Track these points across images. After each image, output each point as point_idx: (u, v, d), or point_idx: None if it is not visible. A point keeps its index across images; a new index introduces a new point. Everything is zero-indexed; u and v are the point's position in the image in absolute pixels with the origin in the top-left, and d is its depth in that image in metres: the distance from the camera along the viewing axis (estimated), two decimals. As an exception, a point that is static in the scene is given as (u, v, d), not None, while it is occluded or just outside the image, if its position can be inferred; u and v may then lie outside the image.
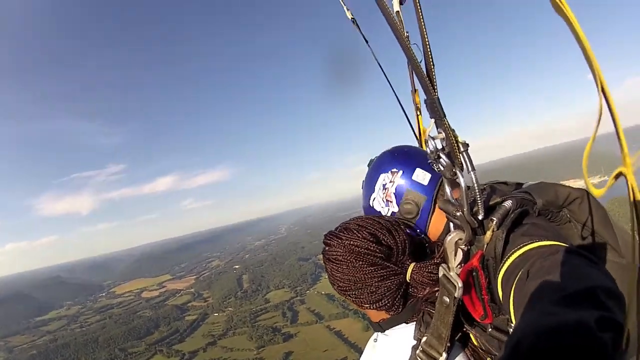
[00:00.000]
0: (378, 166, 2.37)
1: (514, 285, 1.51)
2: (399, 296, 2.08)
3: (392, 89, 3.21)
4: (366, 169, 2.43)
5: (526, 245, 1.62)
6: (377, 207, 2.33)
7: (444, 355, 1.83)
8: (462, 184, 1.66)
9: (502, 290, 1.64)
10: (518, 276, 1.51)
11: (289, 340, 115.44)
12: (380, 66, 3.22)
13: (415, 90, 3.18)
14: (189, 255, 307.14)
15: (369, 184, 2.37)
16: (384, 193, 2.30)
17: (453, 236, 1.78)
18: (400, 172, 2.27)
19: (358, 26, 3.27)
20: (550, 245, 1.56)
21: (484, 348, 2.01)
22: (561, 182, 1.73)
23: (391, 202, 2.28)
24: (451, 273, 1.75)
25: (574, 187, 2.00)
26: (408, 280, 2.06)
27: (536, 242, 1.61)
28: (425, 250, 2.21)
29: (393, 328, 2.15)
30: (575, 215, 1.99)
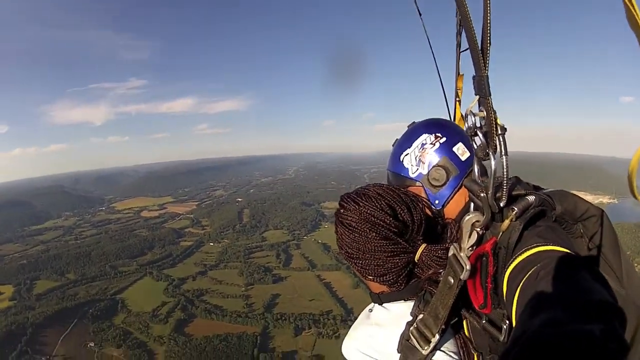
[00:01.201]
0: (423, 126, 2.39)
1: (521, 284, 1.53)
2: (404, 274, 2.09)
3: (437, 68, 3.24)
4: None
5: (539, 246, 1.64)
6: (406, 164, 2.32)
7: (437, 336, 1.84)
8: (493, 166, 1.68)
9: (507, 286, 1.65)
10: (527, 276, 1.52)
11: (278, 282, 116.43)
12: (429, 40, 3.23)
13: (459, 74, 3.11)
14: (195, 180, 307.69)
15: (408, 139, 2.37)
16: (420, 152, 2.30)
17: (471, 217, 1.81)
18: (444, 139, 2.28)
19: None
20: (562, 251, 1.58)
21: (474, 342, 2.05)
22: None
23: (423, 163, 2.28)
24: (461, 254, 1.75)
25: (594, 203, 2.01)
26: (416, 260, 2.06)
27: (550, 245, 1.62)
28: (436, 230, 2.22)
29: (391, 303, 2.18)
30: (588, 231, 1.98)
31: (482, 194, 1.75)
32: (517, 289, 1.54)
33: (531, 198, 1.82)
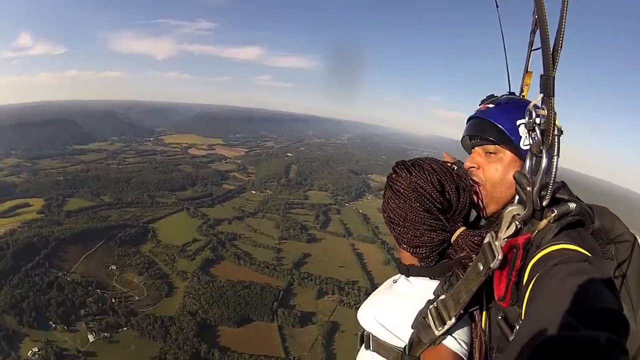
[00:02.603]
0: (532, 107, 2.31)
1: (536, 276, 1.60)
2: (437, 251, 2.17)
3: (506, 63, 3.21)
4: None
5: (564, 244, 1.69)
6: (522, 132, 2.25)
7: (453, 320, 1.88)
8: (544, 164, 1.74)
9: (527, 277, 1.70)
10: (543, 269, 1.59)
11: (312, 243, 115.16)
12: (502, 33, 3.24)
13: (527, 71, 3.08)
14: (247, 128, 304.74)
15: (522, 109, 2.11)
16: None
17: (513, 209, 1.84)
18: None
19: None
20: (583, 254, 1.63)
21: (487, 336, 2.08)
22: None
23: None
24: (496, 242, 1.79)
25: (630, 229, 2.04)
26: (452, 241, 2.15)
27: (573, 245, 1.67)
28: (478, 218, 2.39)
29: (418, 277, 2.24)
30: (619, 255, 2.00)
31: (528, 188, 1.79)
32: (532, 279, 1.61)
33: (572, 205, 1.86)
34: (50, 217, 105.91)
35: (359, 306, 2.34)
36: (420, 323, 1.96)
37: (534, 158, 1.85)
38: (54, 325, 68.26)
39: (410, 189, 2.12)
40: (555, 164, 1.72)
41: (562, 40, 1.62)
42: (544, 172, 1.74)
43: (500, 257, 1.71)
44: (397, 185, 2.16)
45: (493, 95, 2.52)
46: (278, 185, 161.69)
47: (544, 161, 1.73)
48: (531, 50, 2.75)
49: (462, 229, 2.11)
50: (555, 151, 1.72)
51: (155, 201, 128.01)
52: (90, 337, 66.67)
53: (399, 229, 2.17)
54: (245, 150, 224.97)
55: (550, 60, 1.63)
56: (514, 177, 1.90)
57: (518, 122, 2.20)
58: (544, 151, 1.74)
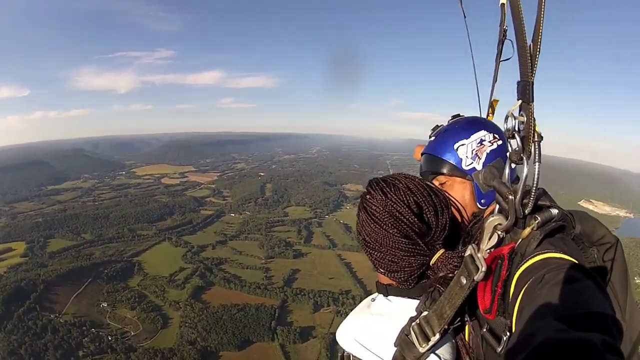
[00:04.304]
0: (481, 122, 2.50)
1: (525, 286, 1.57)
2: (415, 275, 2.08)
3: (475, 72, 3.27)
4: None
5: (549, 252, 1.67)
6: (461, 154, 2.38)
7: (438, 336, 1.80)
8: (525, 172, 1.68)
9: (514, 288, 1.68)
10: (532, 279, 1.56)
11: (299, 258, 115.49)
12: (470, 42, 3.31)
13: (494, 99, 3.23)
14: (217, 152, 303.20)
15: (465, 130, 2.43)
16: (478, 146, 2.37)
17: (495, 219, 1.80)
18: (501, 142, 2.40)
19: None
20: (570, 261, 1.60)
21: (472, 348, 2.04)
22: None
23: (480, 159, 2.35)
24: (479, 254, 1.74)
25: (611, 232, 2.08)
26: (431, 265, 2.05)
27: (559, 253, 1.66)
28: (458, 234, 2.25)
29: (396, 297, 2.16)
30: (600, 257, 2.04)
31: (510, 197, 1.74)
32: (521, 291, 1.58)
33: (554, 211, 1.85)
34: (34, 259, 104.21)
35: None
36: (402, 341, 1.87)
37: (512, 165, 1.79)
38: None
39: (386, 213, 2.01)
40: (536, 170, 1.66)
41: (540, 44, 1.58)
42: (525, 179, 1.69)
43: (484, 268, 1.67)
44: (372, 209, 2.06)
45: (437, 126, 2.65)
46: (255, 205, 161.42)
47: (525, 169, 1.67)
48: (499, 61, 2.83)
49: (441, 251, 2.02)
50: (537, 158, 1.65)
51: (137, 234, 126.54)
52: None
53: (375, 253, 2.08)
54: (218, 174, 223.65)
55: (529, 66, 1.58)
56: (494, 187, 1.85)
57: (456, 146, 2.33)
58: (524, 158, 1.66)
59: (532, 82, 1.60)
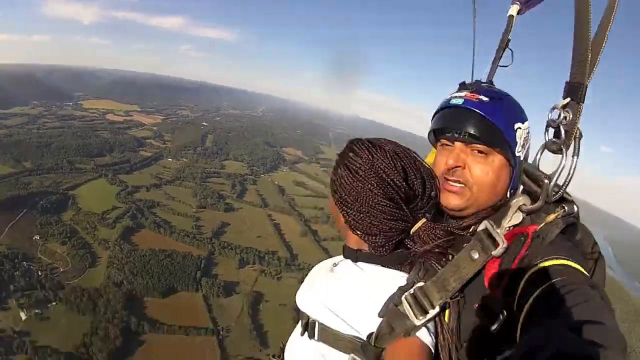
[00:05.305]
0: (522, 111, 2.16)
1: (539, 290, 1.52)
2: (393, 241, 1.90)
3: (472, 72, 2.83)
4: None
5: (565, 260, 1.62)
6: (517, 137, 2.05)
7: (437, 309, 1.69)
8: (563, 162, 1.71)
9: (523, 286, 1.62)
10: (548, 284, 1.53)
11: (230, 212, 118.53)
12: (474, 49, 2.97)
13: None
14: (164, 96, 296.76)
15: (521, 112, 2.14)
16: (527, 135, 2.10)
17: (520, 199, 1.83)
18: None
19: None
20: (585, 275, 1.59)
21: (451, 332, 1.82)
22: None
23: (524, 150, 2.10)
24: (498, 230, 1.74)
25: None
26: (411, 233, 1.92)
27: (575, 263, 1.62)
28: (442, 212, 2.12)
29: (368, 264, 1.94)
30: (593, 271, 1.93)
31: (546, 181, 1.75)
32: (532, 295, 1.54)
33: (575, 207, 1.84)
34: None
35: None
36: (392, 311, 1.70)
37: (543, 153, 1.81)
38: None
39: (372, 172, 1.84)
40: (574, 164, 1.71)
41: (603, 48, 1.63)
42: (563, 168, 1.72)
43: (505, 245, 1.70)
44: (356, 166, 1.87)
45: (479, 81, 2.32)
46: (194, 153, 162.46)
47: (563, 159, 1.71)
48: (497, 66, 2.70)
49: (424, 220, 1.92)
50: (577, 151, 1.71)
51: (75, 167, 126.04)
52: (22, 315, 66.46)
53: (353, 213, 1.89)
54: (162, 117, 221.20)
55: (586, 69, 1.62)
56: (527, 170, 1.85)
57: (516, 126, 2.05)
58: (564, 150, 1.70)
59: (586, 86, 1.64)
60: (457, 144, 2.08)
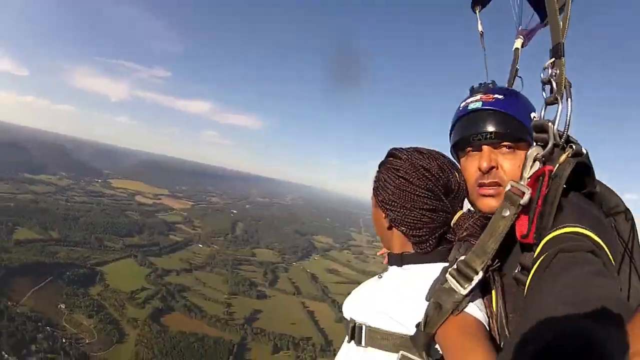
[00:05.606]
0: (529, 100, 2.32)
1: (536, 265, 1.62)
2: (437, 234, 2.06)
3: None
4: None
5: (579, 227, 1.65)
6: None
7: (480, 273, 1.72)
8: (560, 106, 1.88)
9: (539, 250, 1.69)
10: (543, 256, 1.60)
11: (262, 299, 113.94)
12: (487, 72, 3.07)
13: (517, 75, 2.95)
14: (193, 182, 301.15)
15: (529, 102, 2.27)
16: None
17: (534, 149, 1.86)
18: None
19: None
20: (592, 243, 1.59)
21: (500, 316, 1.84)
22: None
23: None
24: (521, 182, 1.79)
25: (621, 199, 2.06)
26: (452, 225, 2.06)
27: (588, 230, 1.64)
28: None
29: (413, 264, 2.08)
30: (619, 227, 1.97)
31: (550, 124, 1.83)
32: (532, 269, 1.63)
33: (583, 148, 1.89)
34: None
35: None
36: (438, 290, 1.77)
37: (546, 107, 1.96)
38: (6, 355, 64.75)
39: (412, 168, 2.03)
40: (569, 107, 1.88)
41: (569, 10, 1.96)
42: (559, 113, 1.87)
43: (530, 191, 1.72)
44: (397, 165, 2.07)
45: (494, 82, 2.38)
46: (225, 240, 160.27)
47: (560, 105, 1.88)
48: (516, 75, 2.80)
49: (462, 212, 2.07)
50: (568, 96, 1.89)
51: (103, 244, 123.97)
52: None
53: (397, 210, 2.04)
54: (191, 203, 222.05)
55: (559, 29, 1.92)
56: (534, 123, 1.93)
57: (532, 115, 2.05)
58: (559, 98, 1.88)
59: (563, 43, 1.91)
60: (485, 147, 2.10)
